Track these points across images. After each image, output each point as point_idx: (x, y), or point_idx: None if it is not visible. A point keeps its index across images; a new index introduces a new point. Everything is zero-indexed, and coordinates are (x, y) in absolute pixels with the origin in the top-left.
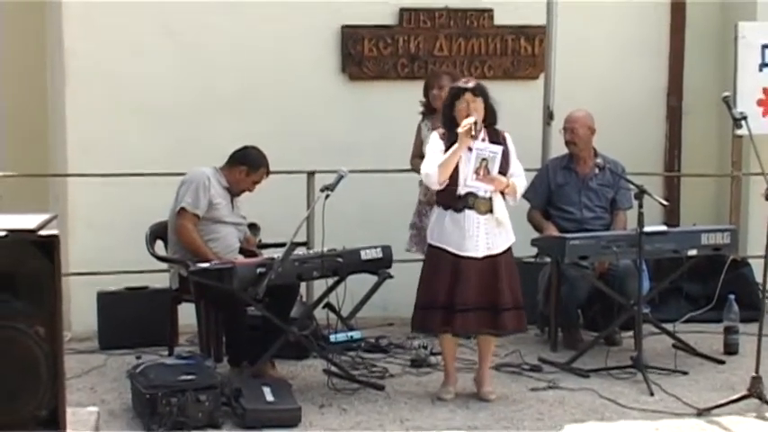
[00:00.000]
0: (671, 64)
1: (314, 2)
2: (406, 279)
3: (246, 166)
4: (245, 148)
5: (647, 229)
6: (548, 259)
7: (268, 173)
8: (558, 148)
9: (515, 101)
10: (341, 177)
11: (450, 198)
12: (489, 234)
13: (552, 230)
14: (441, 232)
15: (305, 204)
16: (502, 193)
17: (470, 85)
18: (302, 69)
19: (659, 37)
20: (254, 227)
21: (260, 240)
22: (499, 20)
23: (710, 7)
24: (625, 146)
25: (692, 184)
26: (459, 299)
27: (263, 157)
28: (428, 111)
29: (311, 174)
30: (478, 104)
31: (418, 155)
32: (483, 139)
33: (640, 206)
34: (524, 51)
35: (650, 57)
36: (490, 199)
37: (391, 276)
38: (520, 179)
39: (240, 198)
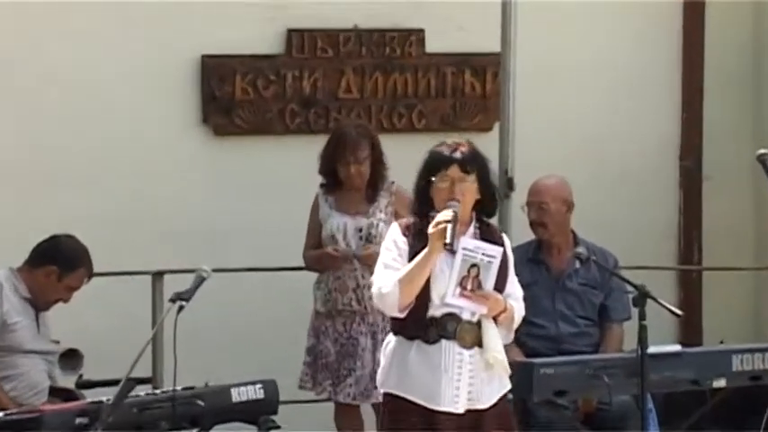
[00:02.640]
0: (685, 110)
1: (163, 24)
2: (299, 428)
3: (57, 265)
4: (55, 237)
5: (652, 349)
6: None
7: (90, 275)
8: (521, 233)
9: None
10: (202, 280)
11: (418, 322)
12: (475, 379)
13: (515, 353)
14: (403, 374)
15: (149, 320)
16: (495, 318)
17: (459, 153)
18: (145, 121)
19: (669, 73)
20: (73, 354)
21: (81, 375)
22: (433, 45)
23: (737, 37)
24: (620, 227)
25: (719, 280)
26: None
27: (81, 250)
28: (332, 183)
29: (158, 275)
30: (469, 185)
31: (314, 244)
32: (474, 235)
33: (642, 317)
34: (470, 90)
35: (655, 99)
36: (478, 325)
37: (278, 426)
38: (518, 304)
39: (49, 313)
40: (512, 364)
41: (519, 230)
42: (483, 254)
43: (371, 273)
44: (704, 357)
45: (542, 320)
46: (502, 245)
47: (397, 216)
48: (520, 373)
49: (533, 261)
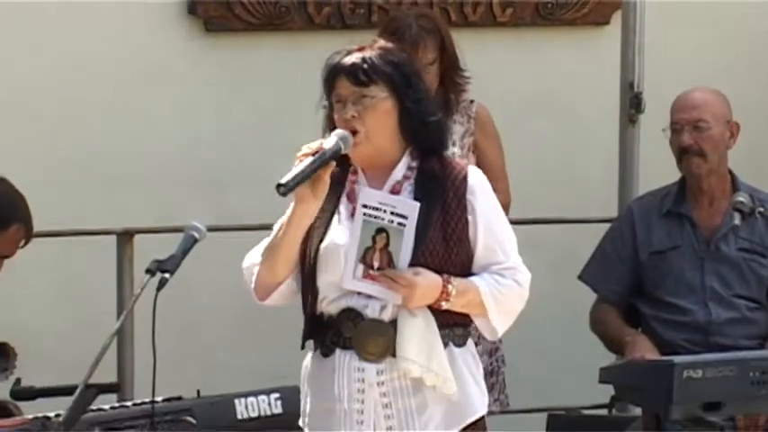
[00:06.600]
0: None
1: None
2: None
3: None
4: None
5: None
6: (637, 410)
7: (29, 234)
8: (652, 178)
9: (556, 74)
10: (192, 242)
11: (312, 323)
12: (392, 408)
13: (644, 348)
14: (308, 398)
15: (112, 302)
16: (433, 308)
17: (352, 58)
18: (112, 12)
19: None
20: (1, 351)
21: (18, 381)
22: None
23: None
24: None
25: None
26: None
27: (15, 200)
28: None
29: (125, 235)
30: (371, 103)
31: None
32: (398, 184)
33: None
34: None
35: None
36: (393, 324)
37: None
38: (497, 281)
39: None
40: (640, 365)
41: (649, 172)
42: (392, 212)
43: None
44: None
45: (685, 302)
46: (458, 189)
47: (477, 151)
48: (652, 378)
49: (673, 215)
